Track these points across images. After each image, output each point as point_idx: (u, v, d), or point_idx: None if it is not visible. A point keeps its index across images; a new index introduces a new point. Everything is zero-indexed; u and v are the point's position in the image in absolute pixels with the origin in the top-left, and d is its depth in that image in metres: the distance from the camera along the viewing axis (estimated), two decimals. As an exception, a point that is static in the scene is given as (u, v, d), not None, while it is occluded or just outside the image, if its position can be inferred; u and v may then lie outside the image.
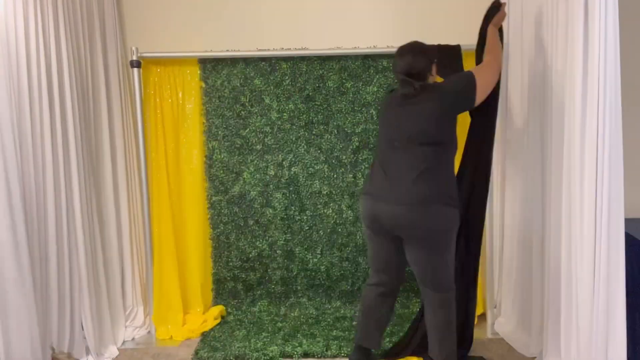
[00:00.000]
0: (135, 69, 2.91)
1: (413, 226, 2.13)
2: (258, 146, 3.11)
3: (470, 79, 2.18)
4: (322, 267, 3.19)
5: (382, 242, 2.28)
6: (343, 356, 2.66)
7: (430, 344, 2.34)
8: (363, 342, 2.42)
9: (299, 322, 3.01)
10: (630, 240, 2.23)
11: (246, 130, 3.10)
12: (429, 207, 2.12)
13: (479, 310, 3.02)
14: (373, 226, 2.24)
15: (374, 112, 3.03)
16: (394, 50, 2.87)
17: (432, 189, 2.12)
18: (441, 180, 2.15)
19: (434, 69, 2.31)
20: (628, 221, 2.06)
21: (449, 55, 2.88)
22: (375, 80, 3.01)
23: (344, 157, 3.08)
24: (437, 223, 2.15)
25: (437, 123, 2.15)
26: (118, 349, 2.80)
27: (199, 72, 3.06)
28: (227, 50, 3.00)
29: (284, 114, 3.09)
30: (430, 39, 2.92)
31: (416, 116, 2.17)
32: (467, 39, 2.92)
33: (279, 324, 2.99)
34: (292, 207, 3.17)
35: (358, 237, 3.14)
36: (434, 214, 2.13)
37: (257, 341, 2.80)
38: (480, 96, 2.19)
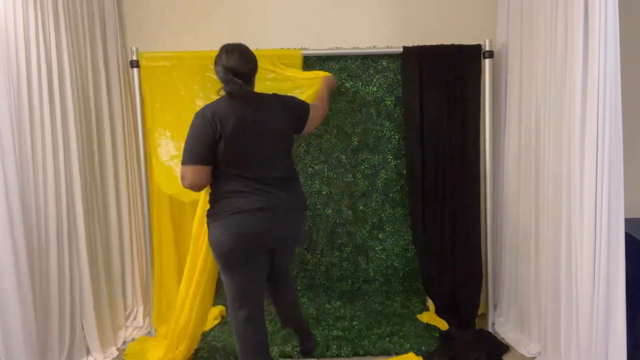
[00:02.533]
0: (135, 69, 2.91)
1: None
2: (258, 146, 3.11)
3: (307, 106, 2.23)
4: (322, 267, 3.18)
5: (255, 262, 2.10)
6: (343, 356, 2.66)
7: (300, 318, 2.50)
8: None
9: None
10: (630, 240, 2.23)
11: (246, 130, 3.10)
12: None
13: (479, 311, 3.03)
14: (248, 245, 2.03)
15: (373, 112, 3.03)
16: (394, 50, 2.90)
17: None
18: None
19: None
20: (628, 221, 2.06)
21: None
22: (374, 80, 3.01)
23: (343, 157, 3.08)
24: None
25: None
26: (118, 349, 2.80)
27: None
28: (227, 50, 2.99)
29: (284, 114, 3.09)
30: (430, 39, 2.94)
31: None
32: (467, 38, 2.93)
33: (279, 324, 2.98)
34: (292, 207, 3.17)
35: (358, 237, 3.13)
36: None
37: (257, 341, 2.79)
38: (308, 127, 2.23)
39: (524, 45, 2.67)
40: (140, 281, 3.14)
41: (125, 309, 3.04)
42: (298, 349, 2.69)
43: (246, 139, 1.99)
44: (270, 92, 2.19)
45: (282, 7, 3.10)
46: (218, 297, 3.23)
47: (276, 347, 2.70)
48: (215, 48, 3.00)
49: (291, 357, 2.66)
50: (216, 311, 3.12)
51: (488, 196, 2.95)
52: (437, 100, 2.91)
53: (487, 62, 2.87)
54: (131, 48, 2.92)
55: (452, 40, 2.92)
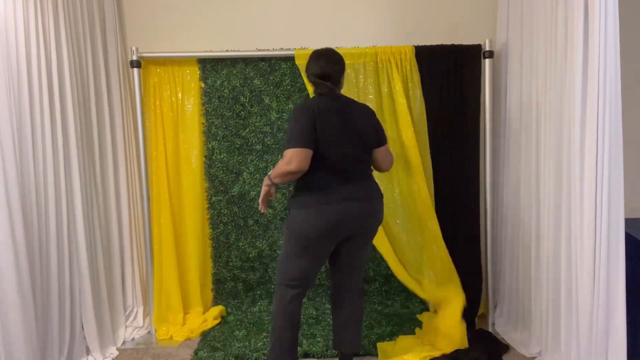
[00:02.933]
0: (135, 69, 2.91)
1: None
2: (258, 146, 3.11)
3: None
4: (322, 267, 3.18)
5: (329, 249, 2.25)
6: (343, 356, 2.66)
7: (354, 337, 2.37)
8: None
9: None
10: (630, 240, 2.23)
11: (246, 131, 3.10)
12: None
13: (479, 310, 3.03)
14: (334, 232, 2.18)
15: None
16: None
17: None
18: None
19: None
20: (628, 221, 2.06)
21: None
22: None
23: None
24: None
25: None
26: (118, 349, 2.80)
27: (198, 72, 3.06)
28: (227, 50, 3.00)
29: (284, 114, 3.09)
30: (429, 39, 2.94)
31: None
32: (467, 38, 2.93)
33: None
34: (292, 207, 3.17)
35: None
36: None
37: (257, 341, 2.79)
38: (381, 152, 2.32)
39: (524, 45, 2.67)
40: (140, 281, 3.14)
41: (125, 309, 3.04)
42: (298, 348, 2.68)
43: (338, 134, 2.14)
44: None
45: (282, 7, 3.11)
46: (218, 297, 3.24)
47: (276, 347, 2.70)
48: (215, 48, 3.05)
49: (291, 357, 2.66)
50: (216, 311, 3.12)
51: (488, 196, 2.95)
52: (437, 99, 2.91)
53: (487, 62, 2.88)
54: (131, 48, 2.92)
55: (452, 40, 2.92)
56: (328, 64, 2.21)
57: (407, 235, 3.00)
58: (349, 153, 2.16)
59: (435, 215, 2.92)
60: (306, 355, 2.67)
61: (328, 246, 2.22)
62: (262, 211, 2.28)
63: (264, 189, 2.20)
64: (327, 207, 2.13)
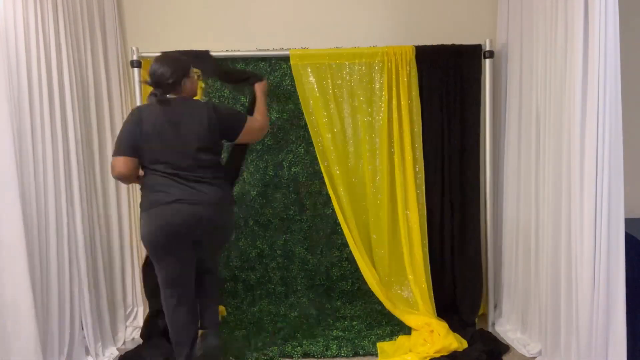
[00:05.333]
0: (135, 69, 2.91)
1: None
2: (258, 146, 3.11)
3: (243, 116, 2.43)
4: (322, 267, 3.19)
5: (183, 252, 2.28)
6: (343, 356, 2.66)
7: (214, 320, 2.52)
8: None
9: (299, 322, 3.01)
10: (630, 240, 2.23)
11: (246, 130, 3.10)
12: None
13: (479, 311, 3.03)
14: (169, 234, 2.20)
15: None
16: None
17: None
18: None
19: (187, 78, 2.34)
20: (628, 221, 2.06)
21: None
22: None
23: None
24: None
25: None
26: (118, 349, 2.80)
27: (198, 72, 3.05)
28: (227, 50, 3.00)
29: (284, 114, 3.09)
30: (429, 39, 2.94)
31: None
32: (467, 38, 2.93)
33: (279, 324, 2.99)
34: (292, 207, 3.17)
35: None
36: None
37: (257, 341, 2.79)
38: (243, 137, 2.41)
39: (524, 45, 2.67)
40: (140, 281, 3.13)
41: (125, 309, 3.04)
42: (298, 348, 2.69)
43: (162, 138, 2.19)
44: None
45: (282, 7, 3.11)
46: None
47: (276, 347, 2.70)
48: (215, 49, 3.04)
49: (291, 357, 2.66)
50: (216, 311, 3.12)
51: (488, 196, 2.95)
52: (437, 99, 2.91)
53: (487, 62, 2.88)
54: (131, 48, 2.92)
55: (452, 40, 2.92)
56: (158, 69, 2.24)
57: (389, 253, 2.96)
58: (178, 157, 2.20)
59: (425, 241, 2.91)
60: (306, 355, 2.67)
61: (174, 251, 2.22)
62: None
63: None
64: (155, 211, 2.18)
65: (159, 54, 2.41)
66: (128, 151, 2.17)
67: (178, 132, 2.20)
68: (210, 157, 2.28)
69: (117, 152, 2.18)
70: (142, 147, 2.18)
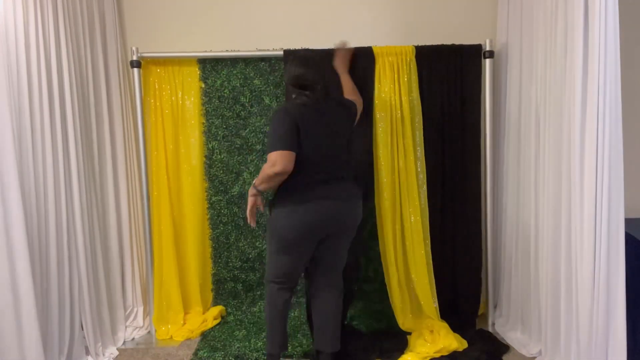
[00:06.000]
0: (135, 69, 2.91)
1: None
2: (258, 146, 3.11)
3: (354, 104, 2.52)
4: (322, 267, 3.19)
5: (310, 247, 2.33)
6: (343, 356, 2.66)
7: (335, 335, 2.40)
8: (317, 344, 2.43)
9: (299, 322, 3.01)
10: (630, 240, 2.23)
11: (246, 131, 3.10)
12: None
13: (479, 311, 3.03)
14: (313, 231, 2.26)
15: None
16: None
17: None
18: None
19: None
20: (628, 221, 2.06)
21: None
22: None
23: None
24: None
25: None
26: (118, 349, 2.80)
27: (198, 72, 3.06)
28: (227, 50, 3.00)
29: (284, 114, 3.09)
30: (429, 39, 2.94)
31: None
32: (467, 38, 2.93)
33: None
34: (292, 207, 3.17)
35: (358, 237, 3.13)
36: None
37: (257, 341, 2.79)
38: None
39: (524, 45, 2.67)
40: (140, 281, 3.14)
41: (125, 309, 3.04)
42: (298, 349, 2.69)
43: (318, 138, 2.23)
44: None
45: (282, 7, 3.11)
46: (218, 297, 3.24)
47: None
48: (215, 48, 3.05)
49: (291, 357, 2.66)
50: (216, 311, 3.13)
51: (488, 196, 2.95)
52: (437, 99, 2.91)
53: (487, 62, 2.88)
54: (131, 48, 2.92)
55: (452, 40, 2.92)
56: (306, 71, 2.29)
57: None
58: (329, 155, 2.26)
59: (427, 241, 2.91)
60: (306, 355, 2.66)
61: (308, 245, 2.29)
62: (252, 225, 2.35)
63: (250, 199, 2.27)
64: (305, 207, 2.21)
65: (300, 55, 2.46)
66: (294, 146, 2.16)
67: (331, 130, 2.28)
68: (347, 154, 2.37)
69: (281, 147, 2.13)
70: (300, 146, 2.19)
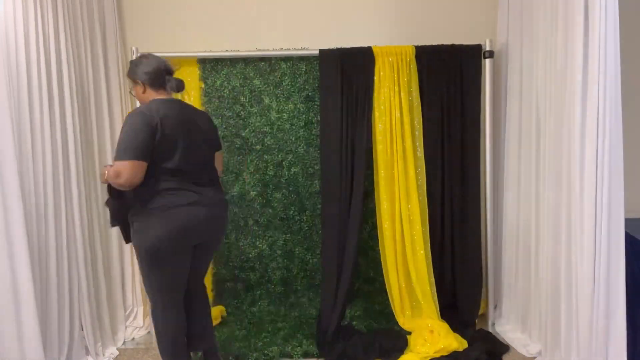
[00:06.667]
0: (135, 69, 2.91)
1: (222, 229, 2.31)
2: (258, 146, 3.11)
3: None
4: (321, 267, 3.18)
5: (188, 256, 2.17)
6: (343, 356, 2.66)
7: (212, 336, 2.40)
8: None
9: (299, 322, 3.01)
10: (630, 240, 2.23)
11: (246, 131, 3.10)
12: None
13: (479, 311, 3.02)
14: (183, 238, 2.07)
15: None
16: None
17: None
18: None
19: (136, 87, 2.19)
20: (628, 221, 2.06)
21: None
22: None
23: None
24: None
25: None
26: (118, 349, 2.80)
27: (198, 72, 3.06)
28: (227, 50, 3.00)
29: (284, 114, 3.09)
30: (429, 39, 2.94)
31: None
32: (467, 38, 2.93)
33: (279, 324, 2.99)
34: (292, 207, 3.17)
35: (358, 237, 3.13)
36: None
37: (257, 341, 2.79)
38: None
39: (524, 45, 2.67)
40: (140, 281, 3.13)
41: (125, 309, 3.04)
42: (298, 349, 2.69)
43: (182, 138, 2.05)
44: None
45: (282, 7, 3.11)
46: (218, 297, 3.24)
47: (276, 347, 2.70)
48: (215, 48, 3.05)
49: (291, 357, 2.66)
50: (216, 311, 3.12)
51: (488, 196, 2.95)
52: (437, 99, 2.91)
53: (487, 62, 2.88)
54: (131, 48, 2.92)
55: (452, 40, 2.92)
56: (165, 61, 2.15)
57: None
58: (195, 158, 2.10)
59: (427, 241, 2.91)
60: (306, 355, 2.66)
61: (182, 254, 2.10)
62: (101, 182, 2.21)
63: (103, 170, 2.06)
64: (172, 213, 2.02)
65: (144, 54, 2.24)
66: (145, 154, 1.95)
67: (198, 133, 2.14)
68: (212, 160, 2.27)
69: (128, 156, 1.92)
70: (157, 150, 1.99)
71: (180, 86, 2.19)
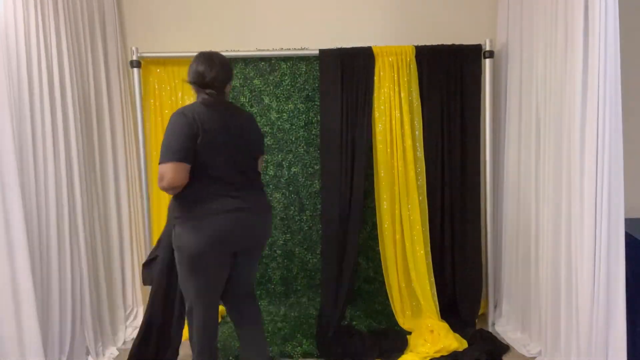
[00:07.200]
0: (135, 69, 2.91)
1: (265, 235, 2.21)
2: (258, 146, 3.11)
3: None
4: (321, 267, 3.18)
5: (223, 263, 2.09)
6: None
7: (263, 351, 2.25)
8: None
9: (299, 322, 3.01)
10: (630, 240, 2.23)
11: (246, 130, 3.10)
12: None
13: (479, 311, 3.02)
14: (223, 246, 2.02)
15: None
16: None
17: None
18: None
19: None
20: (628, 221, 2.06)
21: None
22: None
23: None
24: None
25: None
26: (118, 349, 2.80)
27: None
28: (227, 50, 2.99)
29: (284, 114, 3.09)
30: (429, 39, 2.94)
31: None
32: (467, 38, 2.93)
33: (279, 324, 2.99)
34: (292, 207, 3.17)
35: (358, 237, 3.13)
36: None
37: (257, 341, 2.79)
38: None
39: (524, 45, 2.67)
40: (140, 281, 3.14)
41: (125, 309, 3.04)
42: (298, 349, 2.69)
43: (224, 142, 2.00)
44: None
45: (282, 7, 3.11)
46: (218, 297, 3.23)
47: (276, 347, 2.70)
48: (215, 48, 3.04)
49: (291, 357, 2.66)
50: (216, 311, 3.12)
51: (488, 196, 2.95)
52: (437, 99, 2.91)
53: (487, 62, 2.88)
54: (131, 48, 2.92)
55: (452, 40, 2.92)
56: (211, 70, 2.03)
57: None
58: (237, 162, 2.04)
59: (427, 241, 2.91)
60: (306, 355, 2.66)
61: (221, 260, 2.06)
62: None
63: None
64: (212, 220, 1.97)
65: (204, 53, 2.11)
66: (187, 156, 1.91)
67: (241, 137, 2.06)
68: (255, 164, 2.17)
69: (171, 158, 1.88)
70: (199, 153, 1.94)
71: (205, 103, 2.06)
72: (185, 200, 1.99)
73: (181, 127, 1.91)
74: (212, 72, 2.03)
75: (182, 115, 1.94)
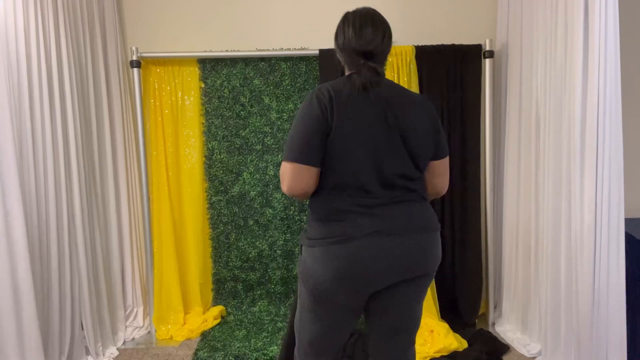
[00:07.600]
0: (135, 69, 2.91)
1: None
2: (258, 146, 3.11)
3: None
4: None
5: (353, 306, 1.53)
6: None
7: None
8: None
9: (299, 322, 3.01)
10: (630, 240, 2.23)
11: (246, 131, 3.10)
12: None
13: (479, 311, 3.02)
14: (357, 281, 1.45)
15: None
16: (394, 50, 2.89)
17: None
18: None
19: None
20: (628, 221, 2.06)
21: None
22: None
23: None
24: None
25: None
26: (118, 349, 2.80)
27: (198, 72, 3.06)
28: (227, 50, 3.00)
29: (284, 114, 3.09)
30: (429, 39, 2.94)
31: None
32: (467, 38, 2.93)
33: (279, 324, 2.99)
34: (292, 207, 3.17)
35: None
36: None
37: (257, 341, 2.79)
38: (439, 168, 1.64)
39: (524, 45, 2.67)
40: (140, 281, 3.14)
41: (125, 309, 3.04)
42: (298, 349, 2.68)
43: (370, 137, 1.43)
44: None
45: (281, 7, 3.10)
46: (218, 297, 3.24)
47: (276, 347, 2.70)
48: (215, 48, 3.05)
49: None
50: (216, 311, 3.12)
51: (488, 196, 2.95)
52: (437, 100, 2.91)
53: (487, 62, 2.88)
54: (131, 48, 2.92)
55: (452, 40, 2.92)
56: (376, 33, 1.45)
57: None
58: (388, 167, 1.44)
59: None
60: (306, 355, 2.66)
61: (350, 302, 1.49)
62: None
63: None
64: (345, 246, 1.42)
65: (362, 9, 1.52)
66: (305, 157, 1.40)
67: (398, 133, 1.44)
68: (421, 171, 1.54)
69: (293, 157, 1.41)
70: (329, 153, 1.42)
71: (365, 85, 1.44)
72: (312, 215, 1.52)
73: (310, 117, 1.41)
74: (378, 36, 1.45)
75: (314, 101, 1.41)
